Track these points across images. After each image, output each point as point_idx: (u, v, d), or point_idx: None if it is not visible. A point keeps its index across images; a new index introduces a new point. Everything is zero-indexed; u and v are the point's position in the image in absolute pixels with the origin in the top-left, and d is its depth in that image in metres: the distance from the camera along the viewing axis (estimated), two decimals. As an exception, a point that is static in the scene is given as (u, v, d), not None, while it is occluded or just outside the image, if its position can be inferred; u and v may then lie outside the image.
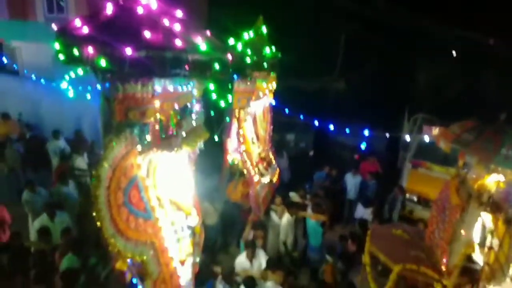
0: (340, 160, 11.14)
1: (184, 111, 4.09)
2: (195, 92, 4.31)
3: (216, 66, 3.69)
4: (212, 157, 7.72)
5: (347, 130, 9.96)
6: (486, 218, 5.00)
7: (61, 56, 3.24)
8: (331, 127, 9.85)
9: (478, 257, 5.07)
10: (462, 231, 4.93)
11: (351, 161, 11.17)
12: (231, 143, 7.53)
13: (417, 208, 9.11)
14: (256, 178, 7.12)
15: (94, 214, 3.34)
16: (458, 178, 5.50)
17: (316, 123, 10.17)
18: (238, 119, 6.70)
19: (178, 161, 4.15)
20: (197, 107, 4.33)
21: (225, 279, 5.61)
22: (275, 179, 8.07)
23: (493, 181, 4.94)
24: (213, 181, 7.93)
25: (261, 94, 7.33)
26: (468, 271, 5.01)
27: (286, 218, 7.36)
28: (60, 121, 10.64)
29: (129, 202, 3.47)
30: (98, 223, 3.26)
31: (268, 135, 8.18)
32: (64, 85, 8.83)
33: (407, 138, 10.23)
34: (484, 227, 5.14)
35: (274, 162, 8.27)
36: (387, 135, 10.53)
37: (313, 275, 7.16)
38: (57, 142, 9.71)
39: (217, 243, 7.69)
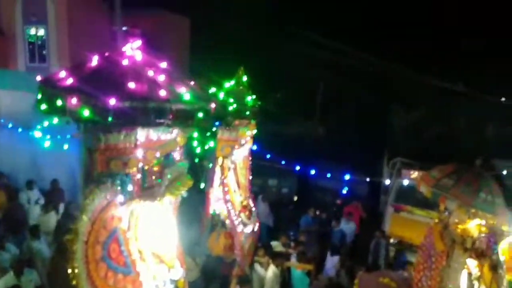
0: (323, 205, 11.10)
1: (167, 159, 4.04)
2: (179, 140, 4.29)
3: (200, 115, 3.71)
4: (193, 207, 7.56)
5: (329, 175, 10.07)
6: (471, 264, 4.97)
7: (43, 106, 3.20)
8: (313, 171, 9.95)
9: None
10: (449, 279, 4.87)
11: (334, 206, 11.15)
12: (214, 192, 7.41)
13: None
14: (239, 228, 6.96)
15: (68, 271, 3.13)
16: (440, 223, 5.53)
17: (298, 168, 10.26)
18: (222, 168, 6.66)
19: (160, 211, 4.02)
20: (179, 154, 4.28)
21: None
22: (256, 228, 7.90)
23: (474, 225, 5.00)
24: (193, 232, 7.68)
25: (243, 141, 7.38)
26: (458, 318, 4.90)
27: (272, 270, 7.12)
28: (36, 170, 10.29)
29: (108, 257, 3.28)
30: (74, 281, 3.05)
31: (248, 182, 8.12)
32: (38, 134, 8.62)
33: (387, 182, 10.39)
34: (470, 274, 5.09)
35: (254, 210, 8.14)
36: (368, 179, 10.70)
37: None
38: (30, 193, 9.32)
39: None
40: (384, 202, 10.64)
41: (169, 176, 3.93)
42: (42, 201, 9.30)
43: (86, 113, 3.09)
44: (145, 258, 3.77)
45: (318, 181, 11.76)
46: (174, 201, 4.25)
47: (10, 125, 10.56)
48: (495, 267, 4.56)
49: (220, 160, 6.70)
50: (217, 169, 6.97)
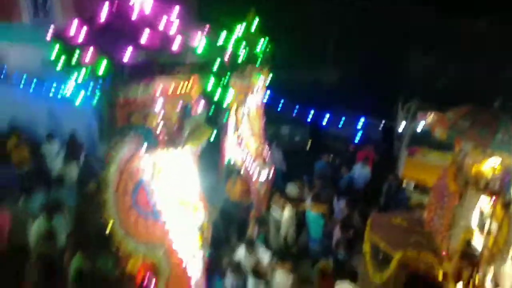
0: (336, 151, 11.17)
1: (186, 111, 4.09)
2: (195, 91, 4.31)
3: (215, 63, 3.70)
4: (208, 156, 7.72)
5: (342, 121, 10.04)
6: (484, 203, 5.09)
7: (59, 61, 3.21)
8: (326, 119, 9.92)
9: (477, 241, 5.17)
10: (461, 217, 5.02)
11: (347, 152, 11.22)
12: (229, 140, 7.53)
13: (414, 195, 9.21)
14: (255, 174, 7.15)
15: (93, 218, 3.34)
16: (455, 164, 5.59)
17: (310, 115, 10.24)
18: (236, 116, 6.70)
19: (182, 159, 4.15)
20: (198, 105, 4.32)
21: (234, 272, 5.67)
22: (271, 174, 8.11)
23: (489, 166, 5.05)
24: (210, 179, 7.94)
25: (256, 88, 7.33)
26: (468, 255, 5.11)
27: (287, 212, 7.41)
28: (54, 124, 10.50)
29: (137, 204, 3.48)
30: (108, 226, 3.26)
31: (262, 129, 8.19)
32: (65, 89, 8.59)
33: (402, 126, 10.33)
34: (482, 212, 5.23)
35: (269, 157, 8.29)
36: (382, 123, 10.65)
37: (314, 267, 7.24)
38: (51, 145, 9.61)
39: (221, 238, 7.73)
40: (398, 146, 10.64)
41: (188, 126, 4.00)
42: (62, 153, 9.62)
43: (102, 67, 3.10)
44: (171, 204, 3.98)
45: (331, 128, 11.72)
46: (195, 150, 4.36)
47: (23, 81, 10.61)
48: (507, 205, 4.65)
49: (233, 108, 6.72)
50: (231, 117, 7.03)
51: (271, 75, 7.70)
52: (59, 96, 8.92)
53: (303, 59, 12.32)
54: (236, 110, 6.71)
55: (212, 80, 4.87)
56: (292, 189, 8.44)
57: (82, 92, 6.58)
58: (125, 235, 3.37)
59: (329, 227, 7.51)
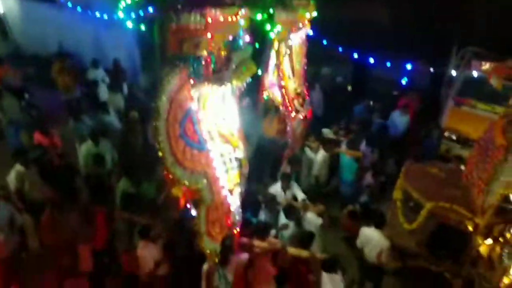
0: (378, 96, 10.78)
1: (234, 44, 4.00)
2: (243, 23, 4.17)
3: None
4: (248, 92, 7.68)
5: (388, 64, 9.53)
6: None
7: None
8: (371, 60, 9.43)
9: (516, 199, 5.04)
10: (503, 172, 4.86)
11: (390, 97, 10.80)
12: (268, 78, 7.40)
13: (455, 147, 8.91)
14: (292, 114, 7.10)
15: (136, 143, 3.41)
16: (506, 117, 5.32)
17: (356, 55, 9.74)
18: (278, 53, 6.48)
19: (226, 95, 4.17)
20: (245, 39, 4.21)
21: (267, 207, 5.85)
22: (309, 115, 8.03)
23: (544, 121, 4.76)
24: (249, 116, 7.97)
25: (300, 25, 6.99)
26: (503, 211, 5.06)
27: (321, 154, 7.45)
28: (98, 51, 10.63)
29: (185, 134, 3.58)
30: (160, 153, 3.41)
31: (303, 69, 7.95)
32: (114, 13, 8.40)
33: (453, 73, 9.70)
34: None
35: (308, 97, 8.15)
36: (431, 69, 10.04)
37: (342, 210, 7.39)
38: (96, 71, 9.85)
39: (255, 174, 7.98)
40: (445, 95, 10.07)
41: (235, 60, 3.94)
42: (107, 80, 9.86)
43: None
44: (213, 138, 4.08)
45: (376, 70, 11.19)
46: (240, 86, 4.34)
47: (70, 4, 10.60)
48: None
49: (276, 44, 6.49)
50: (272, 54, 6.85)
51: (316, 11, 7.28)
52: (106, 20, 8.82)
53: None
54: (278, 46, 6.46)
55: (259, 13, 4.70)
56: (328, 131, 8.39)
57: (131, 17, 6.50)
58: (173, 162, 3.50)
59: (361, 172, 7.55)
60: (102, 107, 8.25)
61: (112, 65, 10.09)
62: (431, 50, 10.06)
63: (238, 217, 4.71)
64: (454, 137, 8.97)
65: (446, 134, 9.07)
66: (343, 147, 7.84)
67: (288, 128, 7.24)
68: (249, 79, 4.56)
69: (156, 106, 3.27)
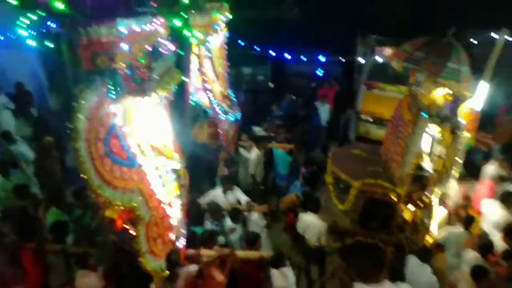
0: (299, 89, 11.32)
1: (154, 53, 3.91)
2: (162, 31, 4.09)
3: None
4: (174, 98, 7.53)
5: (304, 59, 10.05)
6: (434, 130, 5.47)
7: (14, 1, 2.89)
8: (288, 56, 9.86)
9: (427, 165, 5.65)
10: (413, 144, 5.39)
11: (310, 89, 11.39)
12: (192, 82, 7.36)
13: (372, 127, 9.68)
14: (222, 116, 7.14)
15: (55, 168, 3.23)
16: (410, 95, 5.91)
17: (272, 53, 10.12)
18: (199, 56, 6.48)
19: (153, 106, 4.06)
20: (166, 47, 4.14)
21: (213, 215, 5.79)
22: (238, 116, 8.15)
23: (441, 95, 5.38)
24: (176, 123, 7.81)
25: (217, 27, 7.06)
26: (419, 179, 5.62)
27: (255, 152, 7.60)
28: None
29: (111, 152, 3.42)
30: (83, 175, 3.22)
31: (225, 71, 8.05)
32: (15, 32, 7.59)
33: (361, 60, 10.52)
34: (432, 138, 5.65)
35: (234, 98, 8.26)
36: (341, 59, 10.79)
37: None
38: (-4, 99, 8.91)
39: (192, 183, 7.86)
40: (358, 81, 10.91)
41: (158, 69, 3.86)
42: (11, 106, 8.97)
43: (60, 5, 2.85)
44: (145, 151, 3.94)
45: (293, 66, 11.74)
46: (166, 95, 4.26)
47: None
48: (455, 129, 5.05)
49: (195, 48, 6.47)
50: (193, 58, 6.82)
51: (230, 13, 7.41)
52: (3, 40, 7.98)
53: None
54: (199, 50, 6.46)
55: (176, 19, 4.65)
56: (258, 129, 8.58)
57: (33, 35, 5.92)
58: (101, 184, 3.33)
59: (295, 163, 7.86)
60: (7, 137, 7.50)
61: (15, 89, 9.21)
62: (339, 41, 10.82)
63: (182, 230, 4.62)
64: (370, 119, 9.76)
65: (363, 116, 9.83)
66: (275, 141, 8.09)
67: (220, 131, 7.28)
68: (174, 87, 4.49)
69: (73, 127, 3.08)
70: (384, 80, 9.81)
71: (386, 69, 8.85)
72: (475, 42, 8.04)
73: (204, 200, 6.14)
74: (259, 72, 12.09)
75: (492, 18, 7.51)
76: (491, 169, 7.23)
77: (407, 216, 5.98)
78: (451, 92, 5.21)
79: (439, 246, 5.65)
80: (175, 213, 4.30)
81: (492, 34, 6.86)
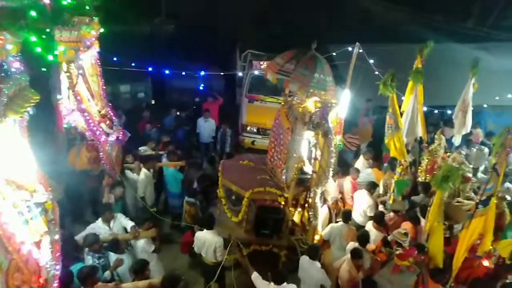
0: (183, 105, 11.19)
1: (2, 72, 3.37)
2: (10, 47, 3.57)
3: (32, 13, 3.12)
4: (41, 123, 6.69)
5: (185, 74, 9.98)
6: (310, 135, 6.00)
7: None
8: (167, 72, 9.67)
9: (308, 168, 6.15)
10: (293, 149, 5.81)
11: (194, 104, 11.36)
12: (64, 104, 6.64)
13: (257, 138, 10.13)
14: (102, 138, 6.60)
15: None
16: (286, 105, 6.37)
17: (150, 69, 9.78)
18: (70, 75, 5.88)
19: (6, 133, 3.49)
20: (16, 65, 3.60)
21: (91, 249, 5.25)
22: (120, 136, 7.63)
23: (312, 103, 5.94)
24: (47, 151, 6.93)
25: (88, 43, 6.54)
26: (302, 181, 6.09)
27: (144, 173, 7.21)
28: None
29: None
30: None
31: (101, 89, 7.50)
32: None
33: (240, 74, 10.96)
34: (309, 142, 6.17)
35: (114, 118, 7.73)
36: (223, 73, 11.07)
37: (177, 221, 7.41)
38: None
39: (72, 216, 7.05)
40: (239, 94, 11.29)
41: (6, 91, 3.32)
42: None
43: None
44: (-1, 187, 3.35)
45: (174, 81, 11.57)
46: (21, 120, 3.71)
47: None
48: (326, 133, 5.62)
49: (64, 66, 5.87)
50: (63, 77, 6.17)
51: (102, 28, 6.96)
52: None
53: (136, 11, 11.44)
54: (68, 68, 5.86)
55: (33, 34, 4.13)
56: (145, 148, 8.17)
57: None
58: None
59: (188, 181, 7.70)
60: None
61: None
62: (220, 56, 11.12)
63: (54, 271, 4.03)
64: (255, 130, 10.20)
65: (249, 128, 10.22)
66: (164, 160, 7.81)
67: (102, 155, 6.69)
68: (32, 110, 3.93)
69: None
70: (263, 92, 10.37)
71: (265, 82, 9.34)
72: (334, 54, 9.11)
73: (82, 234, 5.51)
74: (139, 89, 11.57)
75: (348, 35, 8.68)
76: (359, 164, 8.27)
77: (296, 218, 6.39)
78: (319, 100, 5.78)
79: (325, 242, 6.16)
80: (43, 253, 3.75)
81: (349, 48, 7.92)
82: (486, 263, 5.42)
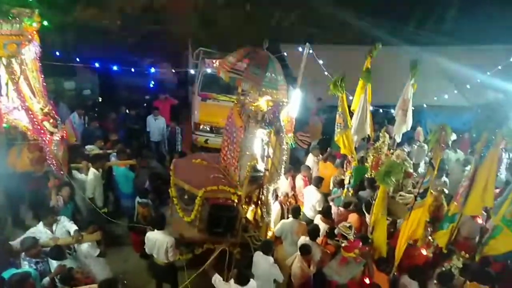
0: (133, 102, 10.85)
1: None
2: None
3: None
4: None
5: (134, 71, 9.68)
6: (262, 133, 6.10)
7: None
8: (115, 68, 9.32)
9: (261, 166, 6.25)
10: (246, 148, 5.87)
11: (144, 102, 11.06)
12: (2, 102, 6.20)
13: (211, 136, 10.07)
14: (47, 136, 6.25)
15: None
16: (239, 103, 6.42)
17: (97, 64, 9.37)
18: (10, 71, 5.50)
19: None
20: None
21: (28, 254, 4.95)
22: (65, 135, 7.26)
23: (264, 102, 6.04)
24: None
25: (29, 36, 6.15)
26: (255, 179, 6.16)
27: (92, 173, 6.93)
28: None
29: None
30: None
31: (42, 86, 7.08)
32: None
33: (192, 72, 10.82)
34: (262, 140, 6.28)
35: (57, 116, 7.33)
36: (175, 71, 10.87)
37: (131, 222, 7.22)
38: None
39: (7, 221, 6.61)
40: (192, 93, 11.13)
41: None
42: None
43: None
44: None
45: (123, 78, 11.16)
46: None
47: None
48: (278, 132, 5.74)
49: (4, 60, 5.48)
50: (2, 73, 5.76)
51: (42, 21, 6.57)
52: None
53: (82, 4, 10.87)
54: (8, 63, 5.48)
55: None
56: (92, 147, 7.83)
57: None
58: None
59: (139, 180, 7.51)
60: None
61: None
62: (171, 53, 10.90)
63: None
64: (208, 128, 10.13)
65: (202, 127, 10.13)
66: (114, 159, 7.55)
67: (47, 154, 6.33)
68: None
69: None
70: (216, 91, 10.32)
71: (217, 80, 9.30)
72: (285, 54, 9.28)
73: (19, 239, 5.18)
74: (85, 86, 11.02)
75: (299, 35, 8.91)
76: (309, 161, 8.55)
77: (249, 216, 6.47)
78: (271, 98, 5.89)
79: (277, 238, 6.30)
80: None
81: (299, 49, 8.11)
82: (424, 252, 5.85)
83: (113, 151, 7.79)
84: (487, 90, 11.48)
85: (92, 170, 6.95)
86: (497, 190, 6.34)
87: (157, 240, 5.44)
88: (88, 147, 7.81)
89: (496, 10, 13.72)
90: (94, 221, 5.91)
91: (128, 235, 7.08)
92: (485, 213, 6.47)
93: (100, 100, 11.47)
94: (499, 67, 10.30)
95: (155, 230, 5.53)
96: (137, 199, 6.85)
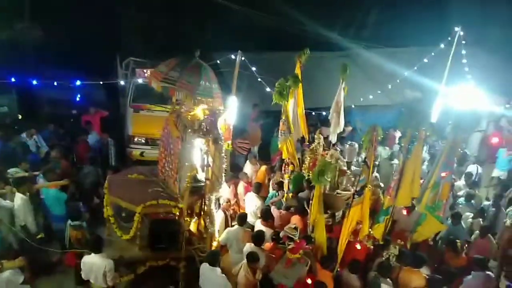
0: (59, 118, 10.10)
1: None
2: None
3: None
4: None
5: (57, 84, 9.03)
6: (200, 143, 6.02)
7: None
8: (35, 82, 8.61)
9: (201, 176, 6.15)
10: (185, 158, 5.76)
11: (71, 117, 10.36)
12: None
13: (147, 149, 9.70)
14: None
15: None
16: (174, 113, 6.27)
17: (13, 79, 8.59)
18: None
19: None
20: None
21: None
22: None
23: (200, 110, 5.97)
24: None
25: None
26: (196, 190, 6.05)
27: (19, 198, 6.32)
28: None
29: None
30: None
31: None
32: None
33: (122, 83, 10.37)
34: (201, 150, 6.20)
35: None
36: (102, 83, 10.31)
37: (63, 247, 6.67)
38: None
39: None
40: (123, 104, 10.66)
41: None
42: None
43: None
44: None
45: (45, 92, 10.36)
46: None
47: None
48: (216, 140, 5.72)
49: None
50: None
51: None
52: None
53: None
54: None
55: None
56: (15, 170, 7.12)
57: None
58: None
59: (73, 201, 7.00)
60: None
61: None
62: (98, 65, 10.33)
63: None
64: (143, 141, 9.73)
65: (136, 139, 9.70)
66: (42, 181, 6.95)
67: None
68: None
69: None
70: (150, 101, 9.98)
71: (150, 90, 8.98)
72: (218, 61, 9.29)
73: None
74: (1, 102, 10.05)
75: (231, 43, 8.95)
76: (247, 168, 8.62)
77: (192, 228, 6.32)
78: (207, 107, 5.84)
79: (223, 247, 6.22)
80: None
81: (232, 56, 8.15)
82: (358, 246, 6.13)
83: (39, 172, 7.17)
84: (405, 89, 12.54)
85: (18, 195, 6.37)
86: (421, 181, 6.86)
87: (94, 265, 5.11)
88: (10, 170, 7.09)
89: (411, 14, 15.06)
90: (26, 249, 5.39)
91: (62, 261, 6.53)
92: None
93: (20, 118, 10.52)
94: (415, 68, 11.29)
95: (92, 254, 5.19)
96: (69, 221, 6.36)
